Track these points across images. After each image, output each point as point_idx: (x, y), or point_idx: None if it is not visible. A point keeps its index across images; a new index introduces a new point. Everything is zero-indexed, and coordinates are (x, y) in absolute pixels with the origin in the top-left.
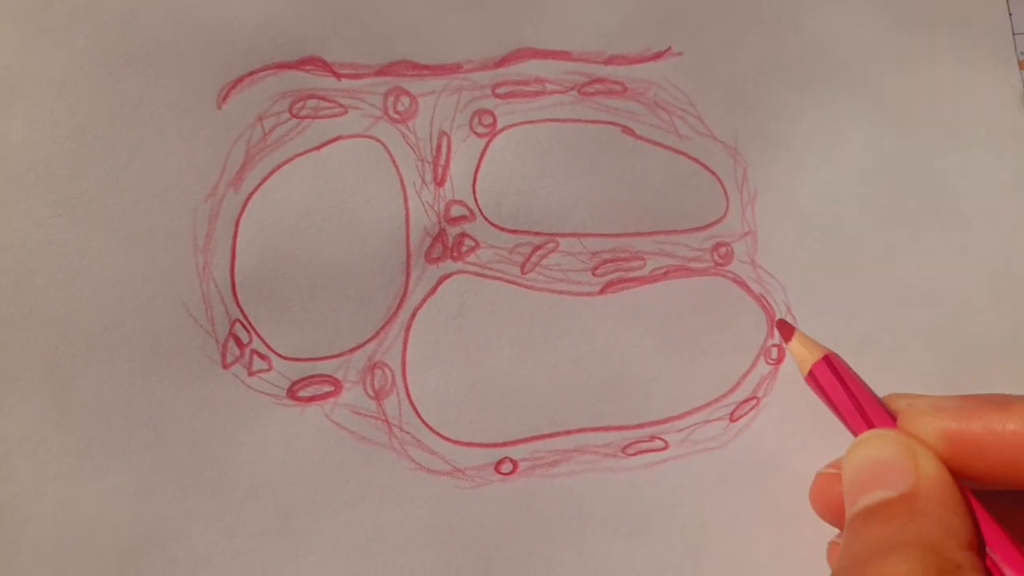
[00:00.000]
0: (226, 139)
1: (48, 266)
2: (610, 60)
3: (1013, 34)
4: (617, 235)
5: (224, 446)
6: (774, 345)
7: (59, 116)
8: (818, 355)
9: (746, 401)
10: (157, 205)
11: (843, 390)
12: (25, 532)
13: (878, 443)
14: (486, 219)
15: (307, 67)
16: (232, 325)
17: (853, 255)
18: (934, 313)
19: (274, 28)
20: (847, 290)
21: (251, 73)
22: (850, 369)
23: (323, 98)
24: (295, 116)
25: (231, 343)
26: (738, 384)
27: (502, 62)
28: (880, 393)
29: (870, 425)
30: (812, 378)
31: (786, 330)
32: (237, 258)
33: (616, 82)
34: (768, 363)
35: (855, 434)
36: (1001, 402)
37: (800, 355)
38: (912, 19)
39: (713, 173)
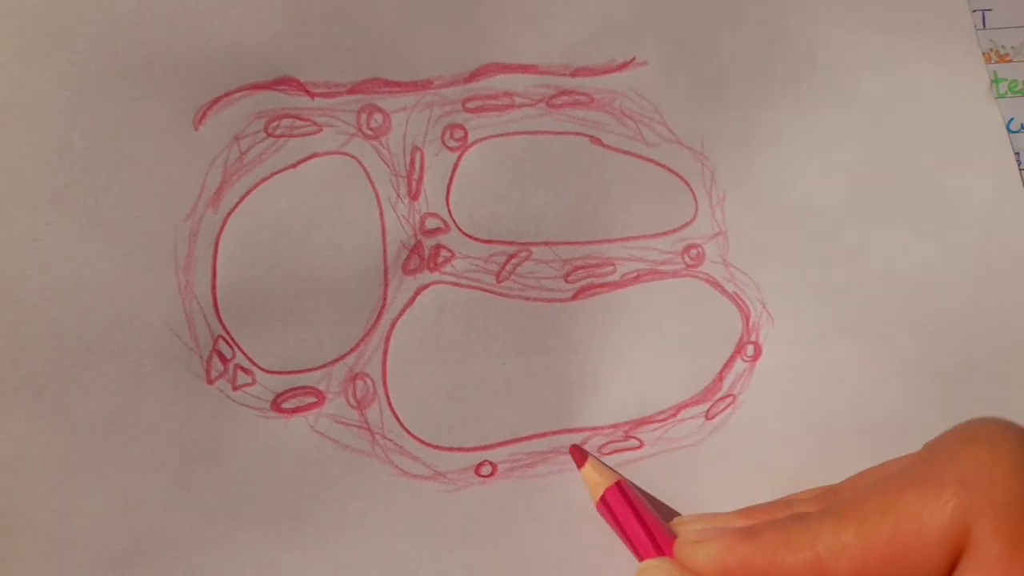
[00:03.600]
0: (203, 160)
1: (31, 289)
2: (576, 72)
3: (976, 29)
4: (588, 242)
5: (211, 459)
6: (750, 343)
7: (38, 141)
8: (610, 481)
9: (722, 399)
10: (137, 226)
11: (633, 516)
12: (17, 549)
13: (654, 574)
14: (460, 230)
15: (281, 87)
16: (215, 341)
17: (825, 250)
18: (908, 306)
19: (247, 49)
20: (821, 285)
21: (226, 94)
22: (639, 495)
23: (298, 117)
24: (271, 135)
25: (215, 359)
26: (714, 382)
27: (471, 77)
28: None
29: (658, 551)
30: (603, 504)
31: (579, 456)
32: (218, 276)
33: (583, 93)
34: (744, 360)
35: (640, 560)
36: (750, 532)
37: (593, 481)
38: (875, 19)
39: (681, 177)
